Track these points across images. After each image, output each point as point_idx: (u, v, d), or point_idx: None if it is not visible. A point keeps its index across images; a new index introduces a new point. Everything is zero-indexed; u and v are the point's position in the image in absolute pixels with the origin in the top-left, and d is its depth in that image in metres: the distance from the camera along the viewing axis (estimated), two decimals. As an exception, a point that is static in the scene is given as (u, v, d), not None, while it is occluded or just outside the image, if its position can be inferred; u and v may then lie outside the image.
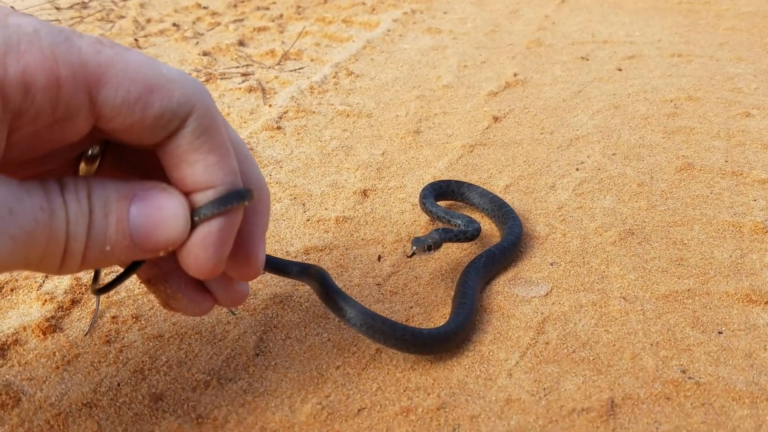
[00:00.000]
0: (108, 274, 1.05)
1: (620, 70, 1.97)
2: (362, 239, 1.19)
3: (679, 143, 1.52)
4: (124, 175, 0.72)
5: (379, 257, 1.14)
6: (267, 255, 0.96)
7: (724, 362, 0.91)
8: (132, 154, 0.72)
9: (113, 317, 0.97)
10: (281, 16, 2.47)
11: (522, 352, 0.93)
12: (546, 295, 1.04)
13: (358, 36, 2.25)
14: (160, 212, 0.61)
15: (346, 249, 1.16)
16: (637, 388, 0.87)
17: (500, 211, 1.21)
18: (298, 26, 2.38)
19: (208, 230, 0.63)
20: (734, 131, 1.56)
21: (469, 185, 1.29)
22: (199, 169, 0.62)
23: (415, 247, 1.05)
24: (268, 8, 2.59)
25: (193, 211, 0.63)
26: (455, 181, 1.29)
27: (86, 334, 1.03)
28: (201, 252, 0.64)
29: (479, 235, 1.14)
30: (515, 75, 1.93)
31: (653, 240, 1.18)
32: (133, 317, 0.97)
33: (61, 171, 0.69)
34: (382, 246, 1.17)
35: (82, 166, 0.67)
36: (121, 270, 0.74)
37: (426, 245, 1.06)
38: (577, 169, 1.42)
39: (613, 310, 1.01)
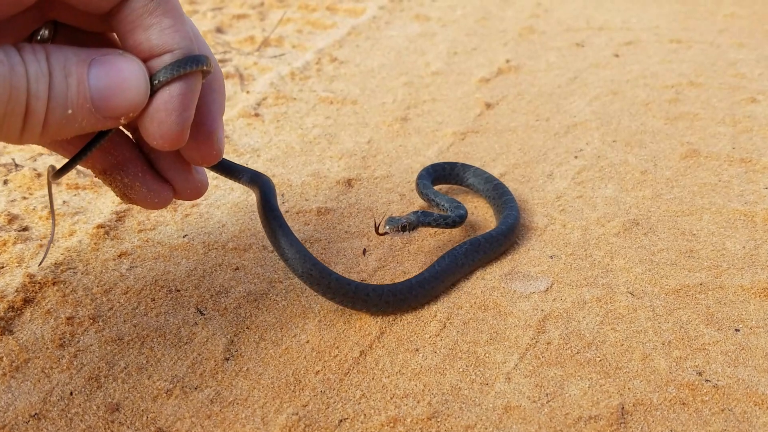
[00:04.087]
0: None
1: (617, 56, 1.89)
2: (346, 232, 1.10)
3: (683, 130, 1.43)
4: None
5: (364, 251, 1.05)
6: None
7: (743, 363, 0.83)
8: (81, 39, 0.71)
9: (68, 318, 0.87)
10: (262, 3, 2.37)
11: (521, 354, 0.84)
12: (546, 291, 0.95)
13: (342, 23, 2.16)
14: (120, 74, 0.61)
15: (329, 242, 1.07)
16: (650, 393, 0.78)
17: (501, 198, 1.12)
18: (279, 14, 2.27)
19: (169, 94, 0.63)
20: (740, 117, 1.48)
21: (475, 169, 1.20)
22: (154, 33, 0.62)
23: (388, 227, 0.97)
24: (250, -4, 2.48)
25: (152, 76, 0.63)
26: (460, 164, 1.21)
27: (39, 264, 0.96)
28: (164, 116, 0.63)
29: (463, 222, 1.05)
30: (508, 61, 1.84)
31: (660, 231, 1.09)
32: (90, 318, 0.87)
33: None
34: (368, 239, 1.08)
35: None
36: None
37: (400, 225, 0.97)
38: (576, 157, 1.33)
39: (620, 306, 0.92)
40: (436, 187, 1.18)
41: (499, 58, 1.87)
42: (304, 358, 0.83)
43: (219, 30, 2.04)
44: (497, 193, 1.13)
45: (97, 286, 0.93)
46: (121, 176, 0.74)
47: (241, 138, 1.38)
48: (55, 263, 0.97)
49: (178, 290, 0.94)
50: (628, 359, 0.83)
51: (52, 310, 0.88)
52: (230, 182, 1.22)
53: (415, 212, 1.02)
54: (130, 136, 0.78)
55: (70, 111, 0.59)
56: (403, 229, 0.98)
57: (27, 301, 0.89)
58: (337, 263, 1.01)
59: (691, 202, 1.17)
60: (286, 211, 1.14)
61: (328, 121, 1.47)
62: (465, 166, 1.20)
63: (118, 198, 0.77)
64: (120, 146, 0.75)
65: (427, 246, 1.06)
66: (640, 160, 1.31)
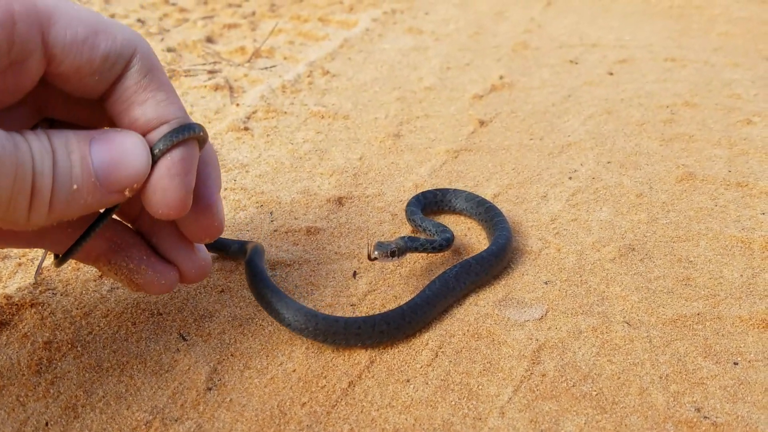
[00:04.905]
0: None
1: (612, 74, 1.87)
2: (336, 253, 1.07)
3: (678, 151, 1.41)
4: None
5: (355, 273, 1.02)
6: None
7: (742, 398, 0.80)
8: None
9: (46, 342, 0.83)
10: (253, 13, 2.35)
11: (515, 386, 0.81)
12: (541, 319, 0.93)
13: (335, 35, 2.13)
14: (121, 147, 0.63)
15: (318, 264, 1.04)
16: (647, 430, 0.75)
17: (492, 220, 1.09)
18: (271, 24, 2.25)
19: (170, 160, 0.65)
20: (736, 139, 1.46)
21: (455, 191, 1.18)
22: (149, 106, 0.65)
23: (377, 252, 0.95)
24: (240, 5, 2.46)
25: (152, 147, 0.65)
26: (451, 189, 1.19)
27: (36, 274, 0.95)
28: (168, 182, 0.65)
29: (449, 245, 1.03)
30: (501, 78, 1.82)
31: (656, 257, 1.07)
32: (68, 343, 0.84)
33: None
34: (358, 261, 1.05)
35: None
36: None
37: (389, 250, 0.95)
38: (570, 178, 1.31)
39: (616, 336, 0.90)
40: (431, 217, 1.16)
41: (493, 74, 1.85)
42: (290, 388, 0.79)
43: (209, 40, 2.01)
44: (489, 216, 1.11)
45: (77, 309, 0.89)
46: (126, 262, 0.75)
47: (230, 152, 1.35)
48: (33, 284, 0.93)
49: (160, 314, 0.90)
50: (625, 393, 0.80)
51: (29, 333, 0.84)
52: (217, 199, 1.19)
53: (402, 237, 1.00)
54: (131, 226, 0.79)
55: (75, 186, 0.60)
56: (392, 254, 0.96)
57: (3, 324, 0.86)
58: (326, 286, 0.98)
59: (688, 227, 1.15)
60: (275, 230, 1.11)
61: (319, 136, 1.44)
62: (456, 192, 1.18)
63: (126, 286, 0.78)
64: (122, 233, 0.76)
65: (419, 268, 1.03)
66: (636, 182, 1.29)
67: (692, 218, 1.18)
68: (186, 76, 1.70)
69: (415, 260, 1.05)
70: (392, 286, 0.99)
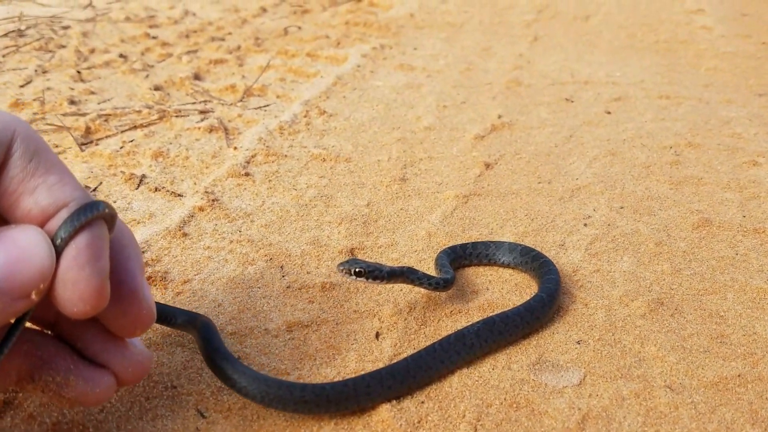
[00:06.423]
0: None
1: (609, 113, 1.86)
2: (354, 311, 1.01)
3: (690, 195, 1.39)
4: None
5: (377, 335, 0.96)
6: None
7: (799, 470, 0.76)
8: None
9: (54, 424, 0.76)
10: (239, 47, 2.29)
11: (565, 464, 0.76)
12: (579, 384, 0.88)
13: (325, 71, 2.09)
14: (17, 246, 0.55)
15: (337, 324, 0.98)
16: None
17: (540, 270, 1.07)
18: (257, 59, 2.20)
19: (75, 248, 0.57)
20: (745, 182, 1.44)
21: (495, 243, 1.15)
22: (41, 193, 0.58)
23: (340, 267, 0.95)
24: (223, 39, 2.40)
25: (53, 237, 0.57)
26: (492, 242, 1.16)
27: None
28: (77, 273, 0.57)
29: (448, 286, 1.01)
30: (500, 117, 1.79)
31: (686, 312, 1.04)
32: (79, 424, 0.77)
33: None
34: (379, 319, 0.99)
35: None
36: None
37: (353, 270, 0.95)
38: (585, 225, 1.27)
39: (660, 403, 0.85)
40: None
41: (490, 113, 1.82)
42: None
43: (197, 77, 1.95)
44: (536, 265, 1.09)
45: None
46: (52, 375, 0.65)
47: (232, 201, 1.28)
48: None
49: (174, 386, 0.83)
50: (680, 468, 0.76)
51: (35, 414, 0.77)
52: (224, 252, 1.12)
53: (401, 266, 0.99)
54: (50, 332, 0.70)
55: None
56: (357, 274, 0.95)
57: (6, 404, 0.78)
58: (349, 350, 0.92)
59: (713, 278, 1.12)
60: (288, 287, 1.05)
61: (323, 181, 1.39)
62: (497, 243, 1.15)
63: (55, 403, 0.68)
64: (42, 344, 0.66)
65: (444, 327, 0.98)
66: (652, 229, 1.26)
67: (715, 268, 1.15)
68: (177, 116, 1.63)
69: (440, 319, 1.00)
70: (417, 347, 0.94)
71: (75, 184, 0.60)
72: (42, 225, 0.58)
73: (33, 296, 0.56)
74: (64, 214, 0.58)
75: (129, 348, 0.69)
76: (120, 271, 0.64)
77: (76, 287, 0.57)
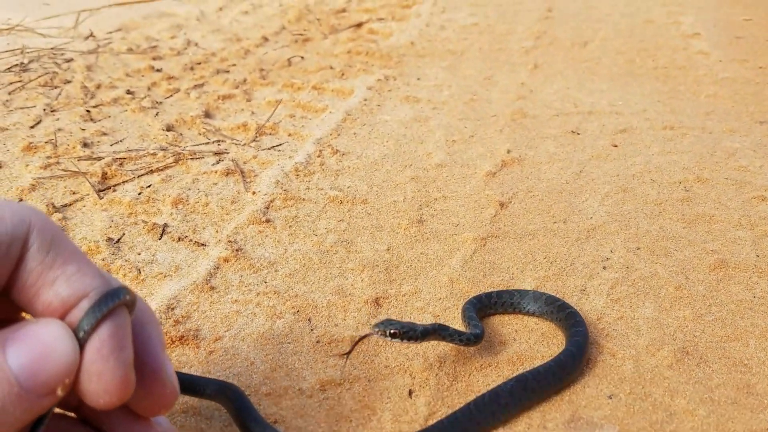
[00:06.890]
0: None
1: (616, 146, 1.88)
2: (385, 366, 1.02)
3: (703, 234, 1.41)
4: None
5: (410, 392, 0.97)
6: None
7: None
8: None
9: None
10: (245, 81, 2.30)
11: None
12: (615, 442, 0.89)
13: (333, 106, 2.10)
14: (40, 342, 0.55)
15: (369, 381, 0.99)
16: None
17: (567, 322, 1.08)
18: (264, 92, 2.21)
19: (99, 340, 0.57)
20: (755, 219, 1.47)
21: (520, 291, 1.17)
22: (61, 284, 0.57)
23: (375, 329, 0.96)
24: (228, 71, 2.42)
25: (75, 330, 0.57)
26: (517, 291, 1.17)
27: None
28: (102, 365, 0.57)
29: (479, 341, 1.03)
30: (509, 152, 1.81)
31: (711, 360, 1.05)
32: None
33: None
34: (411, 375, 1.00)
35: None
36: None
37: (389, 331, 0.96)
38: (604, 268, 1.29)
39: (695, 459, 0.87)
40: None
41: (499, 147, 1.84)
42: None
43: (207, 114, 1.96)
44: (563, 316, 1.10)
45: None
46: None
47: (255, 249, 1.29)
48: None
49: (217, 453, 0.84)
50: None
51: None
52: (252, 305, 1.13)
53: (433, 324, 1.00)
54: (74, 415, 0.69)
55: None
56: (393, 336, 0.96)
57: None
58: (384, 409, 0.93)
59: (733, 324, 1.14)
60: (317, 341, 1.06)
61: (342, 225, 1.40)
62: (521, 292, 1.17)
63: None
64: (66, 429, 0.66)
65: (476, 382, 0.99)
66: (670, 272, 1.28)
67: (735, 313, 1.17)
68: (192, 158, 1.64)
69: (471, 373, 1.01)
70: (452, 406, 0.95)
71: (94, 272, 0.60)
72: (63, 317, 0.58)
73: (59, 392, 0.55)
74: (85, 305, 0.58)
75: (154, 427, 0.69)
76: (142, 352, 0.64)
77: (101, 379, 0.57)
